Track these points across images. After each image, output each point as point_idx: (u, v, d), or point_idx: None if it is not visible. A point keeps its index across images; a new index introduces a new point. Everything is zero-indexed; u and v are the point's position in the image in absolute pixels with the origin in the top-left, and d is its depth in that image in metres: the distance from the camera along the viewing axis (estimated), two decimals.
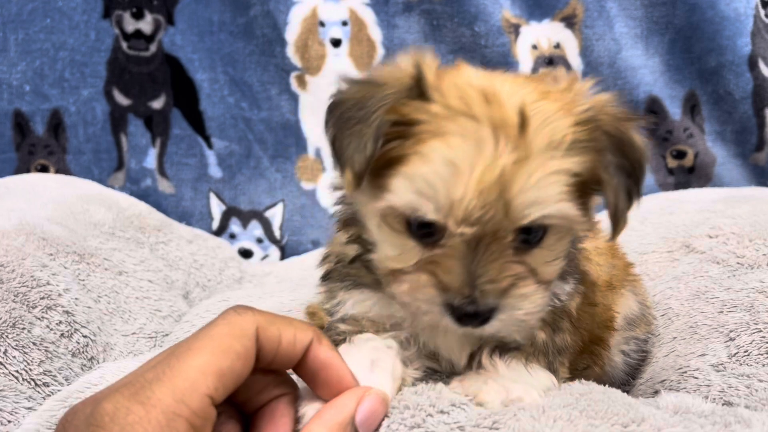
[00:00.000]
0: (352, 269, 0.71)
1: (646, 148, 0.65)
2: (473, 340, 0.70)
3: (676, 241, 1.13)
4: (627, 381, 0.85)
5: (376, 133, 0.59)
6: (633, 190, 0.63)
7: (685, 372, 0.77)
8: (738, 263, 0.96)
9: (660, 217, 1.26)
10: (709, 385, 0.73)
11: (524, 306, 0.60)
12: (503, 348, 0.69)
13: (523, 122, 0.58)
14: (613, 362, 0.84)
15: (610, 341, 0.83)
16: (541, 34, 1.54)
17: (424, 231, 0.61)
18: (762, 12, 1.49)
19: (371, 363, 0.66)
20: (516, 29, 1.53)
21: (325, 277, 0.75)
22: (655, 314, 0.92)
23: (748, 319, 0.79)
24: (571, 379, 0.71)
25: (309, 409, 0.59)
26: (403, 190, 0.59)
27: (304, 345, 0.58)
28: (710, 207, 1.21)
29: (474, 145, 0.57)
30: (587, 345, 0.77)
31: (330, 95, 0.66)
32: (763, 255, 0.96)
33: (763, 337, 0.75)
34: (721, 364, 0.75)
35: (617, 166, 0.62)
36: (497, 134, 0.58)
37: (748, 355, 0.74)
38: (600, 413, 0.57)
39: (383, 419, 0.60)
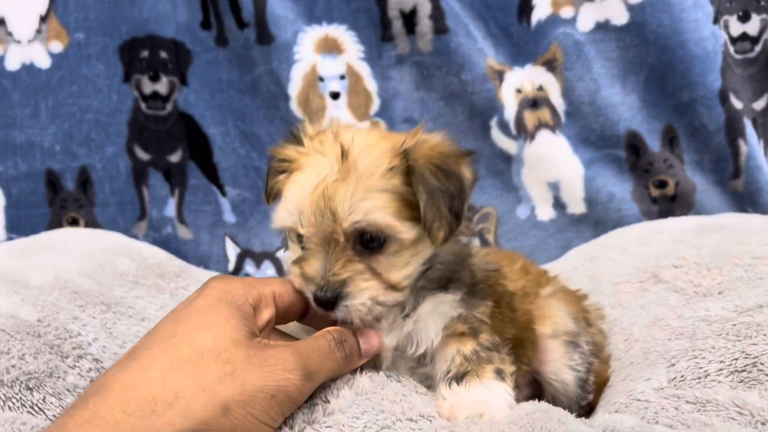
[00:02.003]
0: None
1: (468, 177, 0.81)
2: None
3: (647, 271, 1.21)
4: (583, 397, 0.95)
5: (269, 170, 0.87)
6: (457, 209, 0.79)
7: (632, 395, 0.86)
8: (694, 292, 1.05)
9: (637, 247, 1.34)
10: (647, 408, 0.82)
11: (360, 296, 0.77)
12: (457, 377, 0.82)
13: (344, 152, 0.79)
14: (563, 379, 0.95)
15: (533, 340, 0.97)
16: (525, 78, 1.65)
17: (300, 240, 0.81)
18: (731, 48, 1.58)
19: None
20: (500, 75, 1.64)
21: None
22: (602, 328, 1.03)
23: (688, 346, 0.88)
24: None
25: None
26: (279, 211, 0.81)
27: None
28: (681, 237, 1.29)
29: (317, 172, 0.78)
30: (513, 348, 0.90)
31: None
32: (717, 284, 1.04)
33: (698, 363, 0.84)
34: (662, 388, 0.84)
35: (438, 188, 0.77)
36: (333, 164, 0.78)
37: (684, 380, 0.83)
38: (536, 428, 0.67)
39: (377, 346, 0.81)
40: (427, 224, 0.77)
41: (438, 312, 0.85)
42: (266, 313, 0.77)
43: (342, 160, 0.78)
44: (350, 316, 0.79)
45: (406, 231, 0.78)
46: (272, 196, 0.88)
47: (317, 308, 0.80)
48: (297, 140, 0.86)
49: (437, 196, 0.77)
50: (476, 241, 1.70)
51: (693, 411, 0.77)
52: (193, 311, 0.73)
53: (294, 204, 0.79)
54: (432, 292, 0.85)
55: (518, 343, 0.92)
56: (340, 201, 0.76)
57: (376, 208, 0.77)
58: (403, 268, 0.80)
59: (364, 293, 0.78)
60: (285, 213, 0.80)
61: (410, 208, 0.78)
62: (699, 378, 0.83)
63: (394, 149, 0.80)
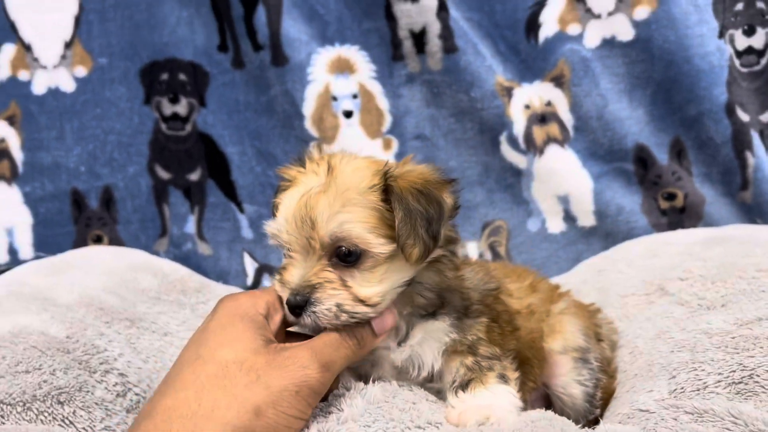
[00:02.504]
0: None
1: (449, 203, 0.85)
2: None
3: (653, 284, 1.23)
4: (590, 411, 0.98)
5: (277, 188, 0.92)
6: (434, 231, 0.82)
7: (634, 406, 0.89)
8: (699, 305, 1.07)
9: (645, 260, 1.36)
10: (648, 418, 0.85)
11: (325, 302, 0.80)
12: (462, 385, 0.87)
13: (330, 168, 0.85)
14: (571, 393, 0.98)
15: (541, 359, 0.99)
16: (533, 94, 1.69)
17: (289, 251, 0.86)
18: (737, 62, 1.60)
19: None
20: (509, 92, 1.68)
21: None
22: (613, 340, 1.05)
23: (689, 358, 0.91)
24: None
25: None
26: (271, 221, 0.87)
27: None
28: (688, 250, 1.30)
29: (305, 186, 0.83)
30: (519, 366, 0.93)
31: None
32: (721, 296, 1.06)
33: (697, 375, 0.87)
34: (662, 399, 0.87)
35: (416, 210, 0.81)
36: (320, 179, 0.84)
37: (683, 391, 0.86)
38: None
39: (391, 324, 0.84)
40: (400, 240, 0.81)
41: (432, 338, 0.89)
42: (277, 318, 0.83)
43: (327, 175, 0.84)
44: (317, 323, 0.82)
45: (379, 246, 0.82)
46: (276, 210, 0.92)
47: (289, 315, 0.84)
48: (301, 162, 0.92)
49: (415, 216, 0.81)
50: (488, 255, 1.73)
51: (691, 421, 0.80)
52: (211, 332, 0.79)
53: (281, 214, 0.85)
54: (421, 319, 0.90)
55: (524, 361, 0.95)
56: (320, 211, 0.81)
57: (353, 221, 0.81)
58: (375, 284, 0.83)
59: (330, 299, 0.81)
60: (274, 223, 0.86)
61: (388, 227, 0.82)
62: (698, 389, 0.85)
63: (377, 171, 0.85)
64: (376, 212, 0.82)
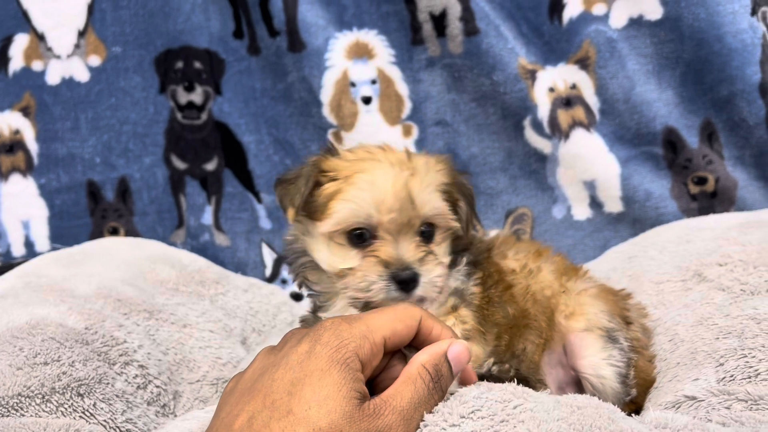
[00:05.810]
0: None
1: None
2: None
3: (689, 269, 1.18)
4: (626, 392, 0.93)
5: (307, 179, 0.90)
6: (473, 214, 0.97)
7: (680, 394, 0.85)
8: (741, 290, 1.03)
9: (677, 246, 1.32)
10: (697, 408, 0.81)
11: (435, 271, 0.88)
12: None
13: (408, 155, 0.93)
14: (602, 375, 0.95)
15: (548, 315, 1.01)
16: (558, 77, 1.64)
17: (358, 240, 0.89)
18: None
19: None
20: (532, 75, 1.63)
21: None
22: (645, 325, 1.02)
23: (737, 345, 0.86)
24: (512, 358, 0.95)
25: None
26: (345, 208, 0.88)
27: (444, 338, 0.80)
28: (724, 234, 1.26)
29: (384, 171, 0.88)
30: (518, 320, 0.96)
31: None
32: (765, 281, 1.02)
33: (747, 362, 0.83)
34: (711, 388, 0.83)
35: (471, 196, 0.98)
36: (395, 165, 0.89)
37: (733, 379, 0.81)
38: (586, 427, 0.66)
39: (467, 362, 0.79)
40: (464, 221, 0.94)
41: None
42: (374, 363, 0.76)
43: (408, 161, 0.91)
44: (426, 294, 0.87)
45: (454, 222, 0.93)
46: (319, 206, 0.90)
47: (393, 294, 0.86)
48: (335, 154, 0.94)
49: (471, 200, 0.96)
50: None
51: (745, 409, 0.75)
52: (307, 378, 0.71)
53: (368, 200, 0.87)
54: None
55: (524, 315, 0.97)
56: (417, 193, 0.88)
57: (438, 200, 0.90)
58: (445, 255, 0.93)
59: (435, 270, 0.88)
60: (357, 208, 0.87)
61: (451, 206, 0.94)
62: (749, 377, 0.81)
63: (438, 161, 0.96)
64: (445, 195, 0.93)
